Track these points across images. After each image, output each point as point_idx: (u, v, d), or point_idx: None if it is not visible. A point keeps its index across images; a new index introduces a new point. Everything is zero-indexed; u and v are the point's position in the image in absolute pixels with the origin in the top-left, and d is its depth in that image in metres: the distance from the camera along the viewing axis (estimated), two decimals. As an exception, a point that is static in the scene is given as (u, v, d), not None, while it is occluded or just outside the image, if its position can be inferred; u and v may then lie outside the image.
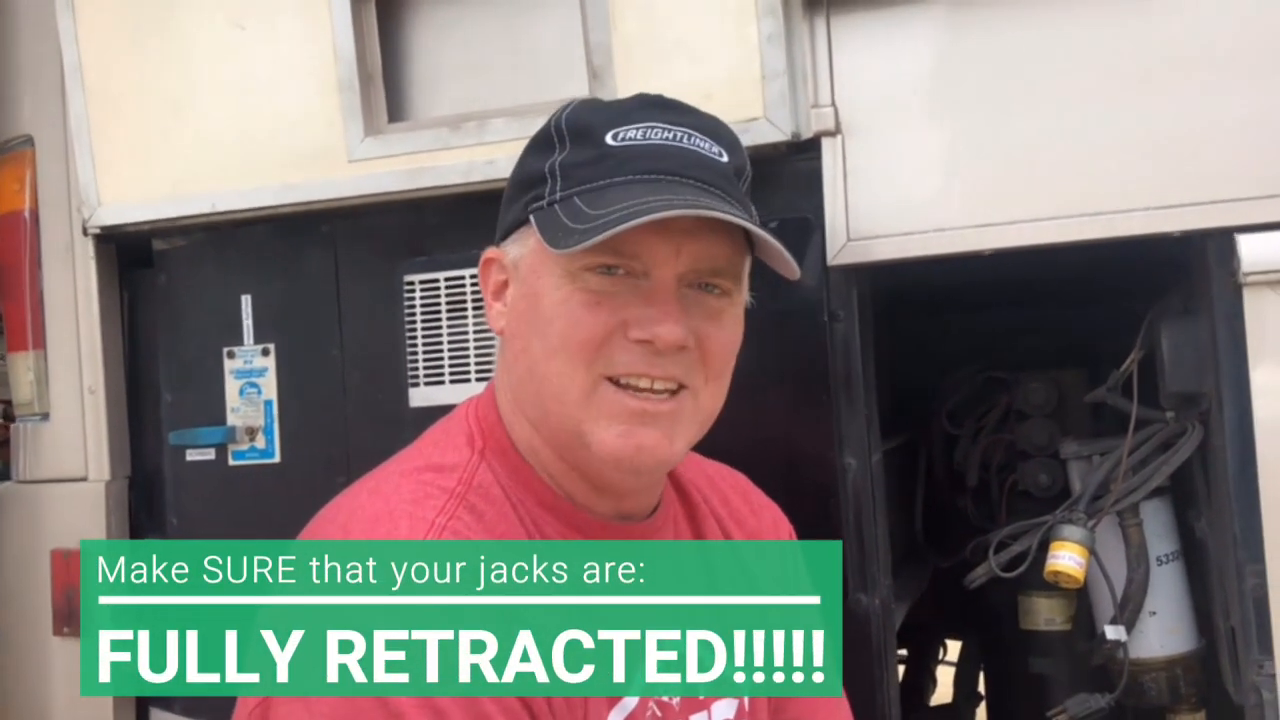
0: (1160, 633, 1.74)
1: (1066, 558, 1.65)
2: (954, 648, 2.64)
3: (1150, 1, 1.45)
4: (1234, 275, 1.41)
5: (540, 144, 1.07)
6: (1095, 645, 1.77)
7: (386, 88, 1.76)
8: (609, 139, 1.02)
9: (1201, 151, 1.42)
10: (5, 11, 2.04)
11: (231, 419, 1.88)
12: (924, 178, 1.54)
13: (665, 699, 1.09)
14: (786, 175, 1.57)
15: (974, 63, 1.52)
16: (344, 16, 1.72)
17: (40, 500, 1.98)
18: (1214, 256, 1.46)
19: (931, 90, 1.54)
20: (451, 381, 1.71)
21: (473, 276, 1.69)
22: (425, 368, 1.73)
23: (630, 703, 1.05)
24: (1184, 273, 1.68)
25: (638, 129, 1.02)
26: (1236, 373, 1.43)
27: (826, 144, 1.54)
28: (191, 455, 1.91)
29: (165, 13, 1.82)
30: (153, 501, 1.96)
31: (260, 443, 1.87)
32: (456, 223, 1.72)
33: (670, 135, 1.02)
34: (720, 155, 1.04)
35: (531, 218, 1.02)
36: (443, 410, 1.64)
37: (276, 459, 1.86)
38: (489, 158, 1.64)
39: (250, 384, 1.87)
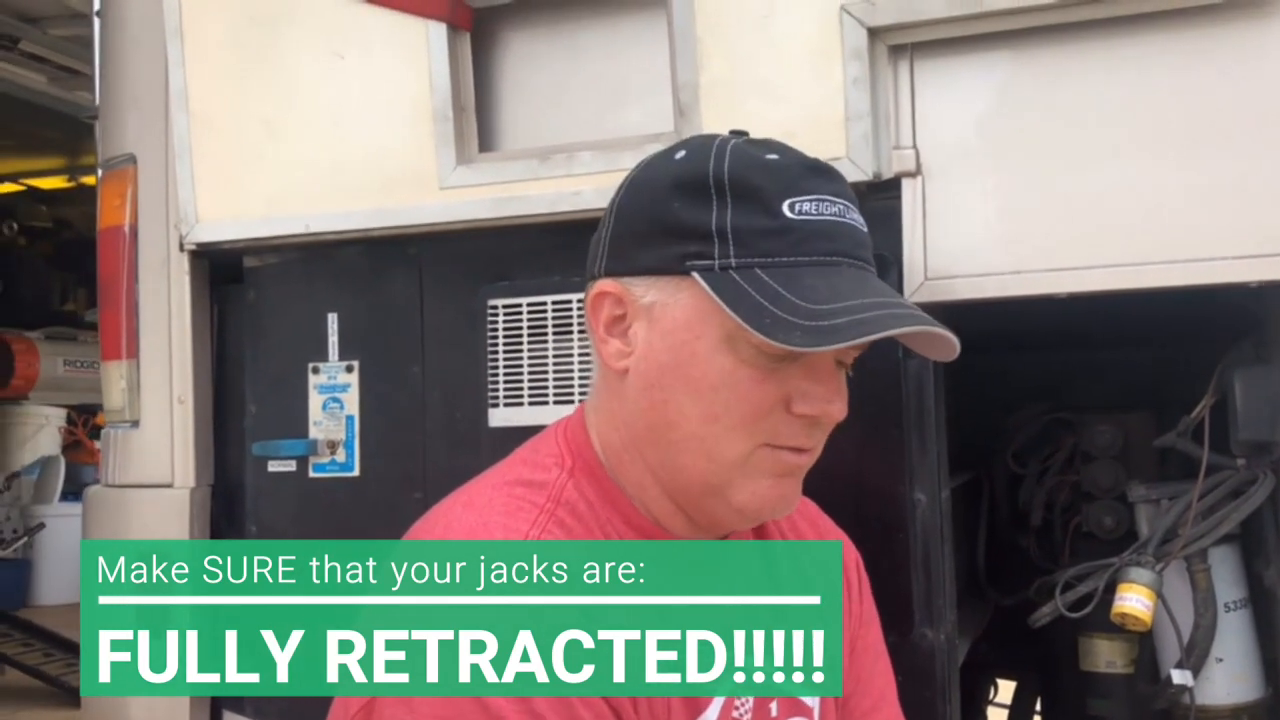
0: (1227, 680, 1.74)
1: (1134, 600, 1.66)
2: (1005, 688, 2.64)
3: (1230, 52, 1.47)
4: (1311, 327, 1.42)
5: (691, 190, 1.03)
6: (1160, 689, 1.77)
7: (479, 118, 1.82)
8: (786, 209, 1.01)
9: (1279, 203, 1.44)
10: (114, 35, 2.13)
11: (313, 432, 1.94)
12: (1001, 220, 1.56)
13: (741, 702, 1.13)
14: (865, 214, 1.59)
15: (1052, 109, 1.54)
16: (440, 49, 1.78)
17: (126, 504, 2.05)
18: (1291, 308, 1.47)
19: (1010, 134, 1.56)
20: (530, 404, 1.76)
21: (556, 303, 1.74)
22: (505, 389, 1.78)
23: (714, 710, 1.09)
24: (1257, 322, 1.69)
25: (811, 201, 1.02)
26: (1311, 423, 1.44)
27: (906, 184, 1.58)
28: (273, 466, 1.97)
29: (269, 41, 1.90)
30: (234, 509, 2.02)
31: (340, 456, 1.92)
32: (541, 251, 1.77)
33: (836, 210, 1.03)
34: (863, 226, 1.06)
35: (699, 277, 1.01)
36: (520, 431, 1.71)
37: (355, 473, 1.92)
38: (575, 189, 1.70)
39: (333, 399, 1.93)
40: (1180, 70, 1.49)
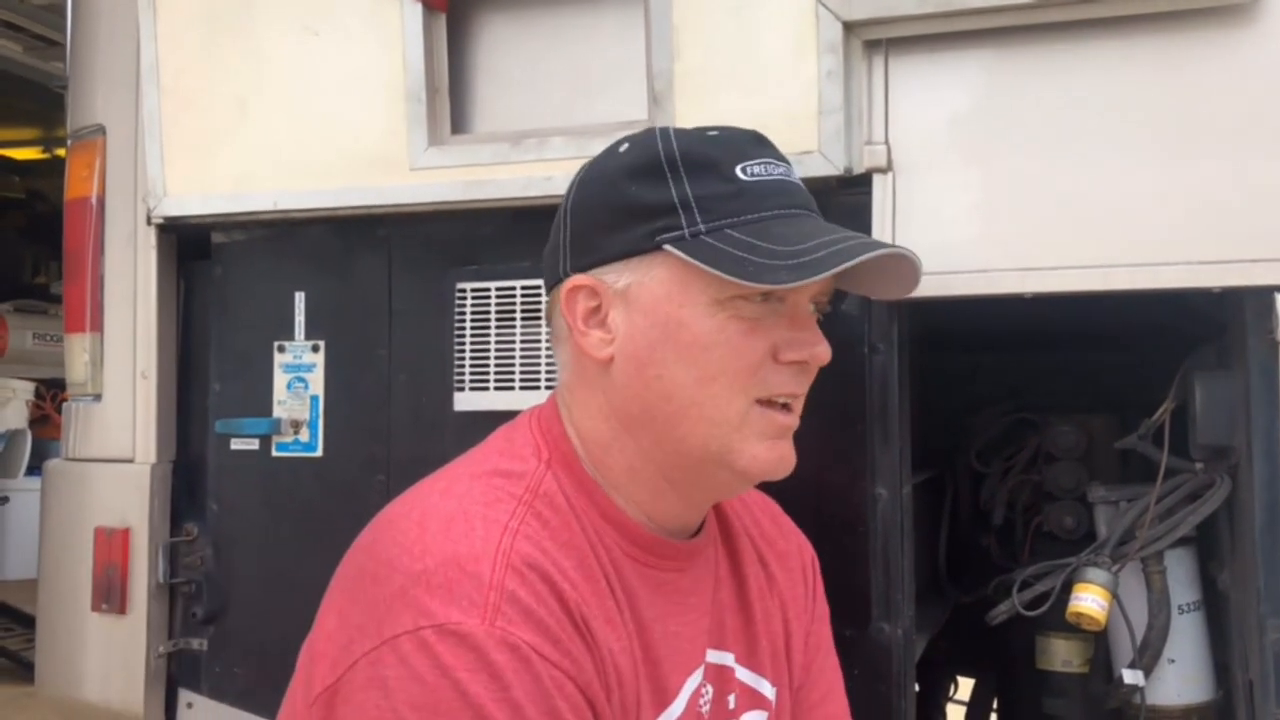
0: (1178, 681, 1.76)
1: (1089, 600, 1.67)
2: (965, 685, 2.66)
3: (1201, 58, 1.48)
4: (1271, 333, 1.43)
5: (647, 173, 1.07)
6: (1112, 689, 1.79)
7: (451, 100, 1.81)
8: (740, 174, 1.06)
9: (1246, 210, 1.45)
10: (86, 6, 2.11)
11: (277, 411, 1.93)
12: (970, 219, 1.57)
13: (704, 696, 1.14)
14: (835, 208, 1.60)
15: (1024, 109, 1.55)
16: (415, 29, 1.77)
17: (87, 478, 2.04)
18: (1252, 314, 1.48)
19: (981, 133, 1.57)
20: (496, 388, 1.75)
21: (524, 288, 1.74)
22: (471, 373, 1.77)
23: (680, 703, 1.10)
24: (1220, 327, 1.70)
25: (759, 164, 1.07)
26: (1268, 429, 1.45)
27: (877, 180, 1.58)
28: (236, 444, 1.96)
29: (242, 15, 1.88)
30: (195, 486, 2.01)
31: (304, 436, 1.91)
32: (511, 235, 1.77)
33: (783, 170, 1.09)
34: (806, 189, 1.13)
35: (673, 248, 1.04)
36: (485, 415, 1.71)
37: (318, 453, 1.91)
38: (547, 174, 1.69)
39: (298, 378, 1.92)
40: (1151, 75, 1.50)
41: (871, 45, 1.59)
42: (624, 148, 1.11)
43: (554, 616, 0.96)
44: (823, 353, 1.08)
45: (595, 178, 1.12)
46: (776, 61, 1.60)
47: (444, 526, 1.00)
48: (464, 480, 1.07)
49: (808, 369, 1.09)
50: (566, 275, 1.10)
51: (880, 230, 1.57)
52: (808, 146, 1.57)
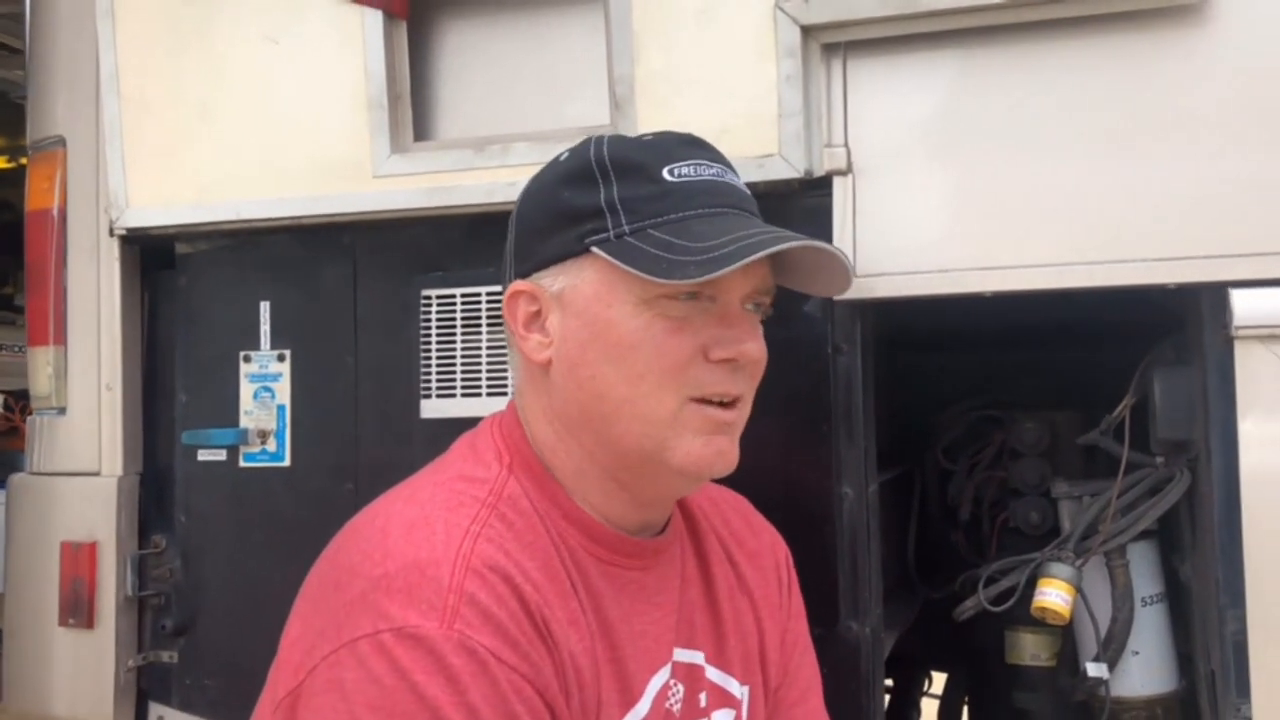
0: (1142, 672, 1.78)
1: (1054, 595, 1.69)
2: (939, 680, 2.67)
3: (1156, 57, 1.50)
4: (1226, 329, 1.45)
5: (578, 178, 1.11)
6: (1078, 682, 1.80)
7: (414, 107, 1.81)
8: (666, 175, 1.07)
9: (1199, 207, 1.47)
10: (44, 15, 2.09)
11: (244, 421, 1.92)
12: (930, 219, 1.58)
13: (672, 693, 1.14)
14: (797, 211, 1.62)
15: (982, 111, 1.56)
16: (376, 36, 1.77)
17: (53, 492, 2.02)
18: (1208, 310, 1.50)
19: (940, 135, 1.59)
20: (463, 395, 1.75)
21: (490, 294, 1.74)
22: (438, 380, 1.77)
23: (645, 702, 1.10)
24: (1178, 323, 1.72)
25: (688, 165, 1.08)
26: (1225, 423, 1.47)
27: (838, 183, 1.60)
28: (203, 455, 1.95)
29: (202, 24, 1.88)
30: (163, 499, 1.99)
31: (271, 446, 1.91)
32: (476, 241, 1.77)
33: (715, 171, 1.10)
34: (745, 189, 1.14)
35: (598, 250, 1.06)
36: (453, 422, 1.71)
37: (286, 463, 1.90)
38: (511, 180, 1.69)
39: (264, 388, 1.92)
40: (1106, 74, 1.52)
41: (830, 49, 1.60)
42: (564, 157, 1.15)
43: (514, 619, 0.97)
44: (751, 350, 1.08)
45: (536, 187, 1.16)
46: (737, 65, 1.61)
47: (406, 532, 1.01)
48: (428, 487, 1.08)
49: (740, 368, 1.09)
50: (511, 281, 1.14)
51: (841, 232, 1.59)
52: (768, 150, 1.59)
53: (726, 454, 1.10)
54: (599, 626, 1.07)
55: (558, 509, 1.10)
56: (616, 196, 1.07)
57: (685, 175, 1.08)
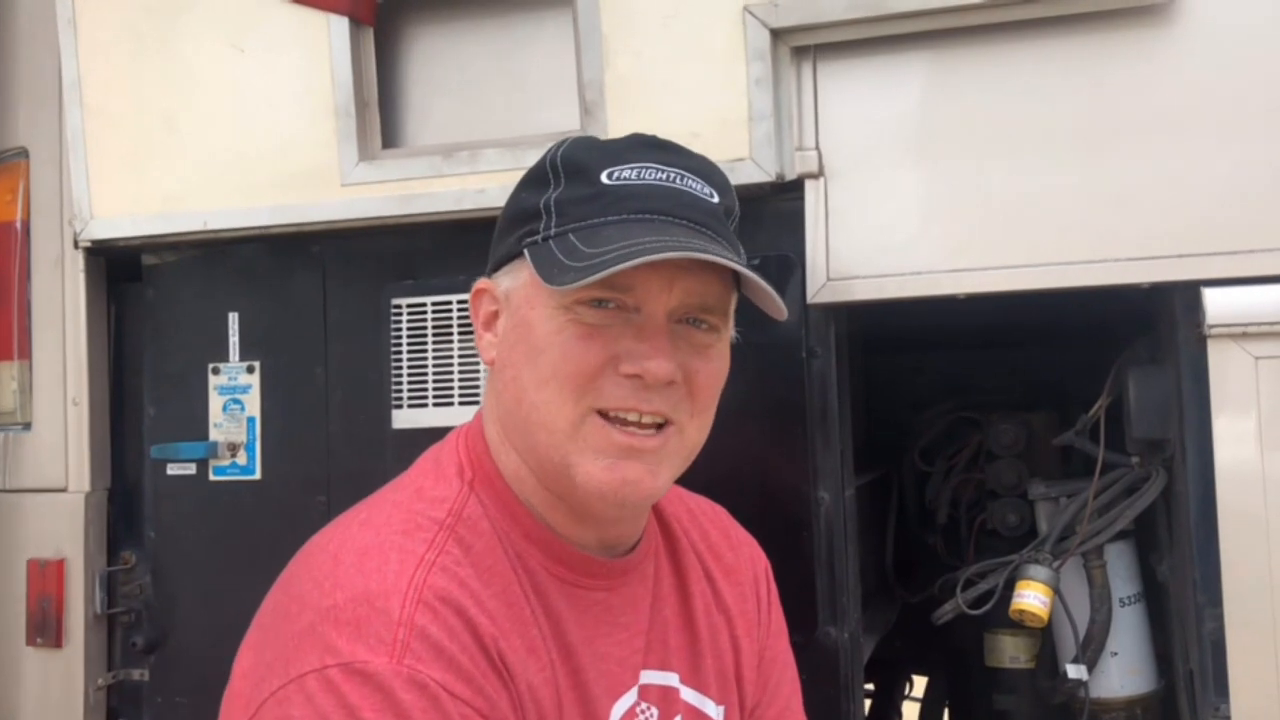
0: (1121, 673, 1.78)
1: (1031, 597, 1.68)
2: (920, 683, 2.67)
3: (1127, 58, 1.50)
4: (1199, 328, 1.45)
5: (535, 179, 1.10)
6: (1057, 683, 1.80)
7: (382, 114, 1.79)
8: (604, 178, 1.04)
9: (1171, 207, 1.47)
10: (4, 24, 2.06)
11: (214, 434, 1.90)
12: (902, 222, 1.58)
13: (644, 714, 1.12)
14: (769, 214, 1.61)
15: (954, 112, 1.56)
16: (342, 43, 1.75)
17: (19, 510, 1.98)
18: (1180, 309, 1.50)
19: (912, 138, 1.58)
20: (435, 405, 1.73)
21: (460, 302, 1.72)
22: (409, 390, 1.75)
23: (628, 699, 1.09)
24: (1151, 323, 1.72)
25: (632, 169, 1.05)
26: (1200, 422, 1.47)
27: (809, 186, 1.59)
28: (172, 469, 1.92)
29: (166, 32, 1.85)
30: (132, 514, 1.96)
31: (241, 459, 1.88)
32: (446, 249, 1.75)
33: (663, 176, 1.05)
34: (711, 196, 1.07)
35: (525, 251, 1.05)
36: (424, 433, 1.69)
37: (257, 475, 1.87)
38: (480, 187, 1.68)
39: (234, 400, 1.89)
40: (1078, 75, 1.52)
41: (800, 51, 1.59)
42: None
43: (466, 652, 0.94)
44: (655, 367, 1.01)
45: (514, 188, 1.15)
46: (706, 69, 1.60)
47: (358, 560, 0.98)
48: (385, 508, 1.05)
49: (649, 386, 1.02)
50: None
51: (814, 236, 1.58)
52: (739, 153, 1.57)
53: (632, 483, 1.02)
54: (560, 653, 1.04)
55: (518, 527, 1.07)
56: (554, 198, 1.06)
57: (624, 179, 1.04)
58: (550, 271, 0.99)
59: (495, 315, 1.11)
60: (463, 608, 0.96)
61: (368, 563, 0.97)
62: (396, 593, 0.94)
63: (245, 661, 1.00)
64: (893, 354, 2.21)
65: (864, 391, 1.76)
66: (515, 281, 1.07)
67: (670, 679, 1.17)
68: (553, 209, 1.05)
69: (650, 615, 1.16)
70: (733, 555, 1.29)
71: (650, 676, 1.14)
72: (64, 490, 1.95)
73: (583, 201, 1.04)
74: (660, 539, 1.21)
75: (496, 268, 1.11)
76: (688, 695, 1.18)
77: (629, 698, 1.11)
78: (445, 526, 1.02)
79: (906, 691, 2.71)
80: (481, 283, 1.12)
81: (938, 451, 2.21)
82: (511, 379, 1.06)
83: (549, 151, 1.10)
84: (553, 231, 1.04)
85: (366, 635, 0.91)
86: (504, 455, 1.09)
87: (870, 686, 2.56)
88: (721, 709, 1.21)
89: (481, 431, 1.12)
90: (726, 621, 1.24)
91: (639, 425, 1.03)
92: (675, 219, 1.03)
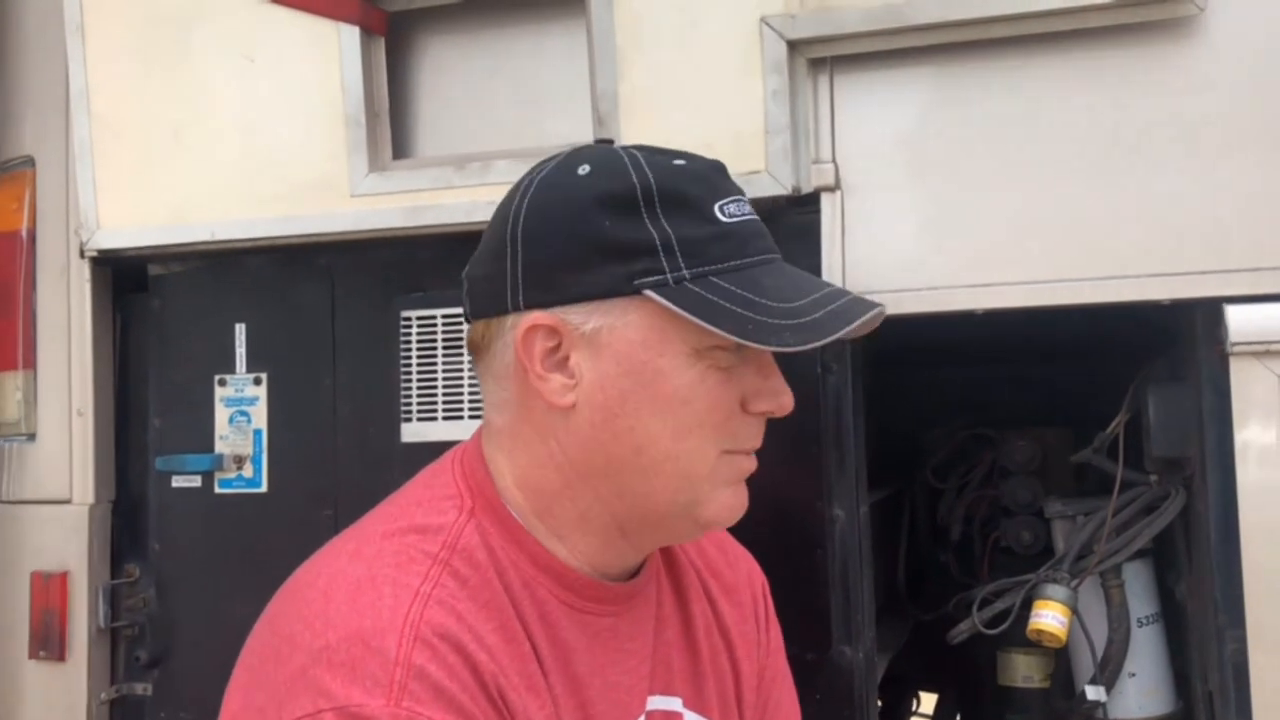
0: (1139, 694, 1.75)
1: (1050, 617, 1.66)
2: (928, 701, 2.65)
3: (1147, 72, 1.48)
4: (1221, 345, 1.43)
5: (622, 206, 0.99)
6: (1075, 704, 1.78)
7: (392, 125, 1.78)
8: (719, 214, 1.01)
9: (1193, 223, 1.45)
10: (10, 32, 2.05)
11: (220, 447, 1.88)
12: (920, 236, 1.56)
13: None
14: (784, 228, 1.58)
15: (972, 125, 1.54)
16: (353, 53, 1.73)
17: (22, 521, 1.96)
18: (1202, 326, 1.48)
19: (930, 151, 1.56)
20: (445, 419, 1.71)
21: (471, 315, 1.70)
22: (419, 403, 1.73)
23: None
24: (1172, 340, 1.70)
25: (733, 203, 1.02)
26: (1221, 440, 1.45)
27: (826, 199, 1.57)
28: (177, 482, 1.90)
29: (176, 40, 1.83)
30: (136, 527, 1.94)
31: (248, 472, 1.86)
32: (456, 261, 1.70)
33: (750, 209, 1.05)
34: None
35: (655, 294, 0.97)
36: (433, 446, 1.66)
37: (263, 489, 1.85)
38: (492, 198, 1.63)
39: (240, 412, 1.87)
40: (1100, 89, 1.50)
41: (816, 64, 1.58)
42: (585, 170, 1.01)
43: (467, 691, 0.90)
44: (788, 402, 1.04)
45: (557, 204, 1.01)
46: (722, 81, 1.59)
47: (350, 596, 0.93)
48: (375, 539, 1.00)
49: (763, 421, 1.05)
50: (518, 309, 1.01)
51: (829, 249, 1.56)
52: (755, 167, 1.56)
53: (745, 503, 1.08)
54: (565, 686, 1.01)
55: (526, 556, 1.02)
56: (671, 234, 0.98)
57: (734, 215, 1.01)
58: (743, 327, 0.95)
59: (553, 351, 1.01)
60: (462, 644, 0.92)
61: (361, 599, 0.93)
62: (393, 630, 0.90)
63: (234, 703, 0.96)
64: (905, 369, 2.19)
65: (876, 407, 1.73)
66: (616, 321, 0.99)
67: (674, 704, 1.14)
68: (675, 248, 0.98)
69: (654, 638, 1.13)
70: (731, 574, 1.27)
71: (656, 702, 1.11)
72: (68, 502, 1.92)
73: (709, 241, 0.99)
74: (660, 558, 1.18)
75: (565, 301, 0.99)
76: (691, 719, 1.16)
77: None
78: (439, 560, 0.97)
79: (914, 709, 2.69)
80: (540, 316, 0.99)
81: (950, 468, 2.19)
82: (626, 429, 1.00)
83: (620, 171, 1.00)
84: (687, 274, 0.98)
85: (362, 677, 0.88)
86: (566, 500, 1.04)
87: (878, 703, 2.53)
88: None
89: (481, 456, 1.07)
90: (726, 644, 1.22)
91: (747, 454, 1.06)
92: (779, 255, 1.06)
